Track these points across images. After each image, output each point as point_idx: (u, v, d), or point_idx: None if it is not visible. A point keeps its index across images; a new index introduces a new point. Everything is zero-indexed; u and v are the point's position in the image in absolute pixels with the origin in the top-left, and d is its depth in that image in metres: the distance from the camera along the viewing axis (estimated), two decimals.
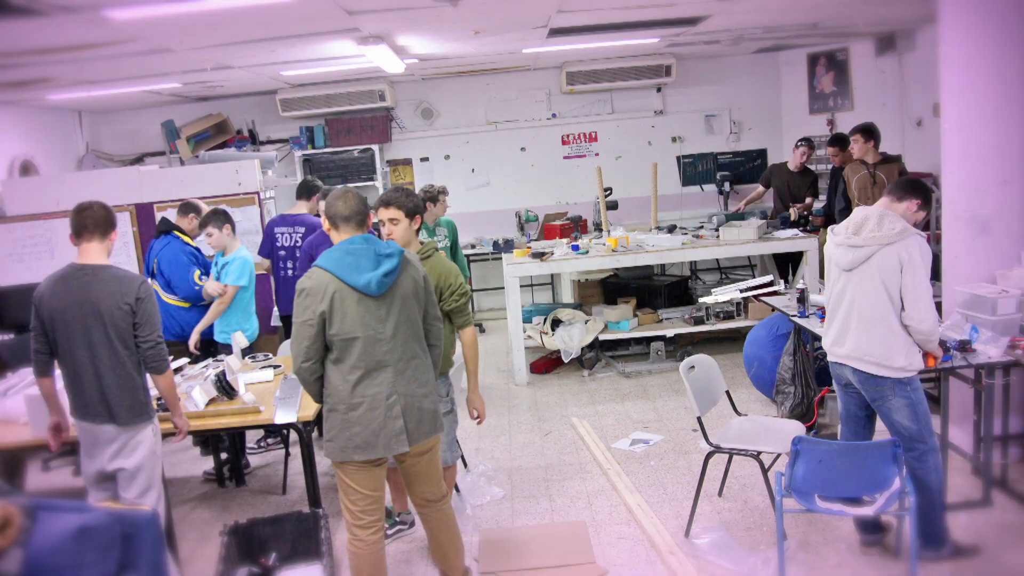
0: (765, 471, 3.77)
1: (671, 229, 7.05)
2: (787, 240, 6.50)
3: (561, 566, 3.71)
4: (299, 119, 8.62)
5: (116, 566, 1.88)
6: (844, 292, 3.44)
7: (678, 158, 9.04)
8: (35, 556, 1.73)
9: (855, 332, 3.39)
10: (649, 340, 6.78)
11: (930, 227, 6.71)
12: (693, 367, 3.97)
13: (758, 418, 4.26)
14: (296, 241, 5.46)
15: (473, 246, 8.76)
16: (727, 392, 4.18)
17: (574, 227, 7.62)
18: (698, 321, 6.59)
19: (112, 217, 3.37)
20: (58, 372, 3.38)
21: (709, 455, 3.87)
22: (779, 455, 3.88)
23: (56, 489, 5.09)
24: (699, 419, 3.83)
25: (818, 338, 4.56)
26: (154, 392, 3.51)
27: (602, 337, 6.62)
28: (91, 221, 3.28)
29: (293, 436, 4.69)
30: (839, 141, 6.73)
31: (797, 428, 3.92)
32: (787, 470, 3.22)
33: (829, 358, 3.58)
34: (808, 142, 7.26)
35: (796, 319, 4.75)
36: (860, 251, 3.33)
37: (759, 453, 3.75)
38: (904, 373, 3.31)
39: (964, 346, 3.73)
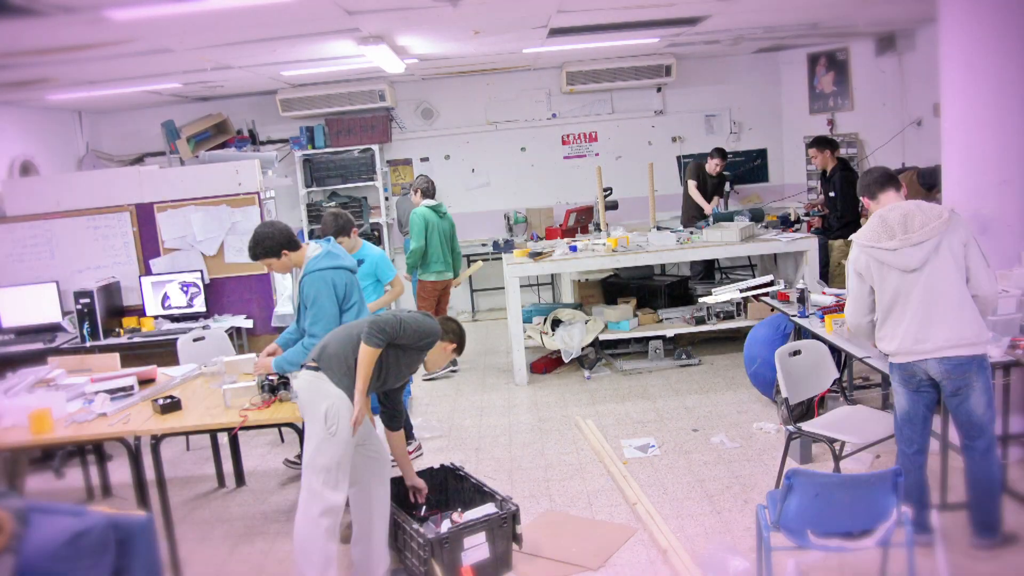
0: (837, 460, 3.83)
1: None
2: (786, 241, 6.49)
3: (564, 562, 3.75)
4: (299, 119, 8.62)
5: (110, 572, 1.87)
6: (909, 291, 3.35)
7: (678, 158, 9.04)
8: (28, 561, 1.72)
9: (945, 321, 3.32)
10: (648, 339, 6.78)
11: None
12: (799, 352, 4.06)
13: (862, 408, 4.21)
14: None
15: (484, 245, 8.74)
16: (838, 379, 4.28)
17: (591, 213, 7.72)
18: (699, 321, 6.59)
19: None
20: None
21: (791, 437, 3.97)
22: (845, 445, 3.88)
23: (56, 490, 5.09)
24: (786, 400, 3.92)
25: (820, 340, 4.56)
26: None
27: (602, 337, 6.63)
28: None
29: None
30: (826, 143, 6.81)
31: (885, 417, 3.93)
32: (776, 504, 3.00)
33: (903, 359, 3.42)
34: (721, 153, 7.78)
35: (796, 319, 4.75)
36: (925, 245, 3.29)
37: (833, 442, 3.80)
38: (990, 346, 3.45)
39: None
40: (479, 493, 3.85)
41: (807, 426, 3.95)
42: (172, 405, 3.85)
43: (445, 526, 3.54)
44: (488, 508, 3.67)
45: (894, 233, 3.33)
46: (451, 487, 4.11)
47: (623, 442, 5.10)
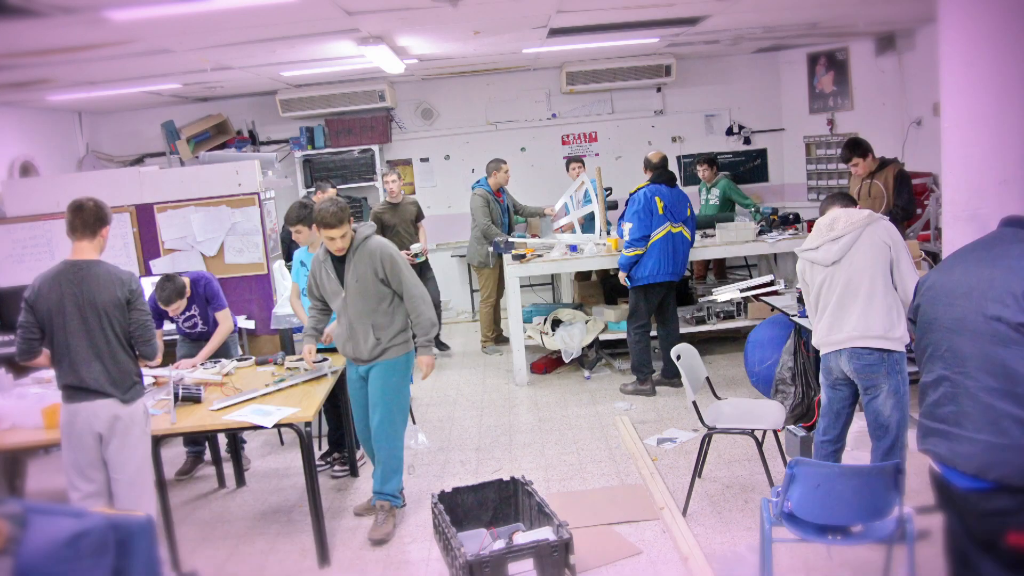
0: (760, 447, 4.04)
1: None
2: (785, 240, 6.48)
3: (626, 521, 3.94)
4: (299, 119, 8.62)
5: (110, 573, 1.87)
6: (832, 284, 3.63)
7: (678, 158, 9.03)
8: (27, 562, 1.72)
9: (856, 313, 3.56)
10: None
11: (930, 227, 6.71)
12: (680, 356, 4.23)
13: (737, 400, 4.55)
14: None
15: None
16: (707, 378, 4.46)
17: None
18: (699, 321, 6.59)
19: (103, 214, 3.49)
20: None
21: (706, 436, 4.15)
22: (765, 432, 4.20)
23: (57, 490, 5.09)
24: (694, 403, 4.11)
25: None
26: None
27: (602, 337, 6.62)
28: (80, 221, 3.44)
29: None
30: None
31: (777, 409, 4.22)
32: (781, 495, 3.02)
33: (823, 352, 3.73)
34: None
35: (796, 319, 4.75)
36: (843, 240, 3.59)
37: (753, 431, 4.02)
38: (902, 344, 3.54)
39: None
40: (541, 514, 3.67)
41: (721, 423, 4.11)
42: (191, 398, 3.90)
43: (488, 547, 3.41)
44: (544, 532, 3.48)
45: (821, 234, 3.66)
46: (521, 503, 3.93)
47: (668, 431, 5.26)
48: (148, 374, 4.45)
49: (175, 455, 5.48)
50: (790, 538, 3.07)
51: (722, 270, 8.55)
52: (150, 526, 2.04)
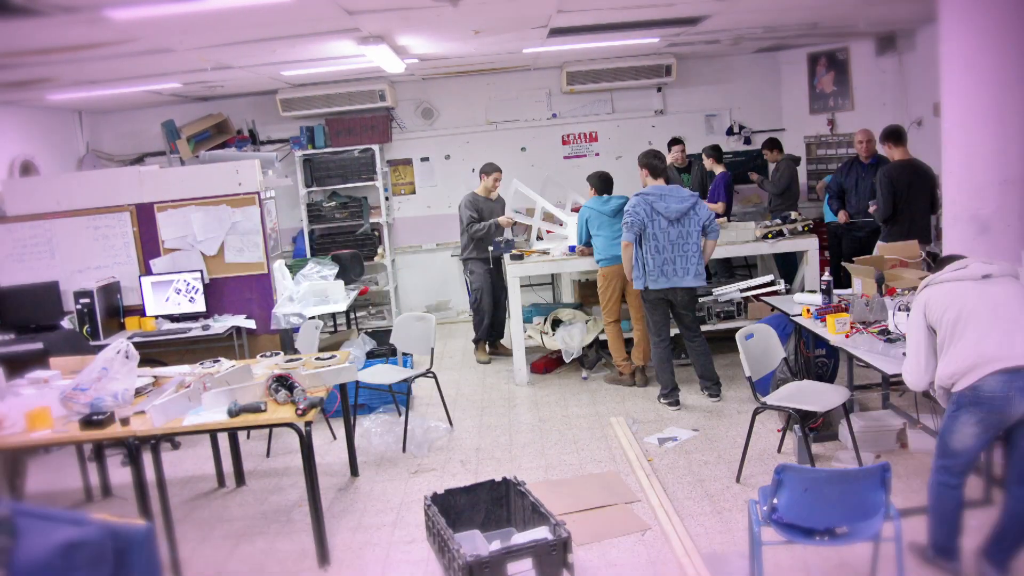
0: (803, 426, 4.23)
1: None
2: (788, 240, 6.48)
3: (605, 506, 4.14)
4: (299, 119, 8.62)
5: None
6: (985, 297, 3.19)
7: None
8: (18, 572, 1.65)
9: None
10: None
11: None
12: (752, 335, 4.44)
13: (808, 383, 4.62)
14: None
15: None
16: (784, 359, 4.62)
17: None
18: (699, 321, 6.57)
19: None
20: None
21: (756, 411, 4.36)
22: (815, 414, 4.26)
23: (56, 490, 5.09)
24: (749, 379, 4.33)
25: (820, 340, 4.56)
26: None
27: (602, 337, 6.62)
28: None
29: None
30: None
31: (841, 392, 4.31)
32: (767, 499, 3.03)
33: (985, 375, 3.09)
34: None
35: (796, 319, 4.75)
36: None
37: (797, 410, 4.18)
38: None
39: None
40: (536, 513, 3.62)
41: (770, 399, 4.26)
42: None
43: (485, 547, 3.38)
44: (541, 532, 3.45)
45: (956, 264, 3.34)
46: (513, 504, 3.89)
47: (668, 430, 5.26)
48: (148, 374, 4.46)
49: (175, 456, 5.48)
50: (779, 540, 3.08)
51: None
52: (150, 534, 1.94)
